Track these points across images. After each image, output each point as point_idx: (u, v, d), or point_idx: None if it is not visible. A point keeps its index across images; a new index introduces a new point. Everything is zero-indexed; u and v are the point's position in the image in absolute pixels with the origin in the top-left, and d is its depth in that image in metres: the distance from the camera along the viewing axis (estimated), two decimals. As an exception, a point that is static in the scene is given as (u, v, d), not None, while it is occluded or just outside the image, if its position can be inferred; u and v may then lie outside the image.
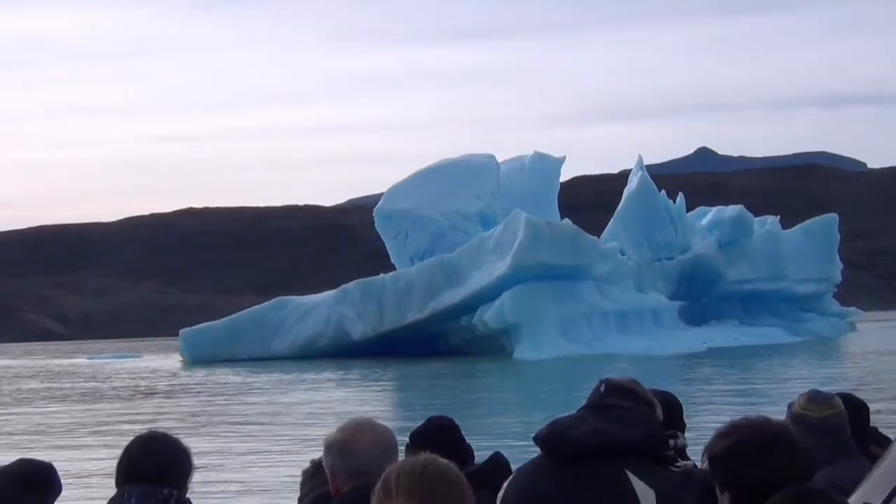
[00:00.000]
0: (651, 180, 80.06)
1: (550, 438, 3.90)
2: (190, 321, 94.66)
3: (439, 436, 5.14)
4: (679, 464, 4.04)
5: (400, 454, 3.92)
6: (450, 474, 2.74)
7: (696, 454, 5.26)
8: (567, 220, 70.11)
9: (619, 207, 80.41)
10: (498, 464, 5.04)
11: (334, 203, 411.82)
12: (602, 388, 4.10)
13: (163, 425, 31.93)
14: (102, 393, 50.81)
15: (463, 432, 5.27)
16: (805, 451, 3.29)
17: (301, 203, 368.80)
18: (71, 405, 43.23)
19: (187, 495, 4.44)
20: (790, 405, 5.26)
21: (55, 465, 4.65)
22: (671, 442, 4.87)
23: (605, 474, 3.81)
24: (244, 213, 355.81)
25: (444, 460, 2.78)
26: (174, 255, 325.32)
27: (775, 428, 3.31)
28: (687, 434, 5.29)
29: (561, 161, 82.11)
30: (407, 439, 4.85)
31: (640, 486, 3.80)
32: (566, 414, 4.03)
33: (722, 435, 3.29)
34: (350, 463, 3.76)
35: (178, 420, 34.52)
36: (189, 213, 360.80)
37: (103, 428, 32.26)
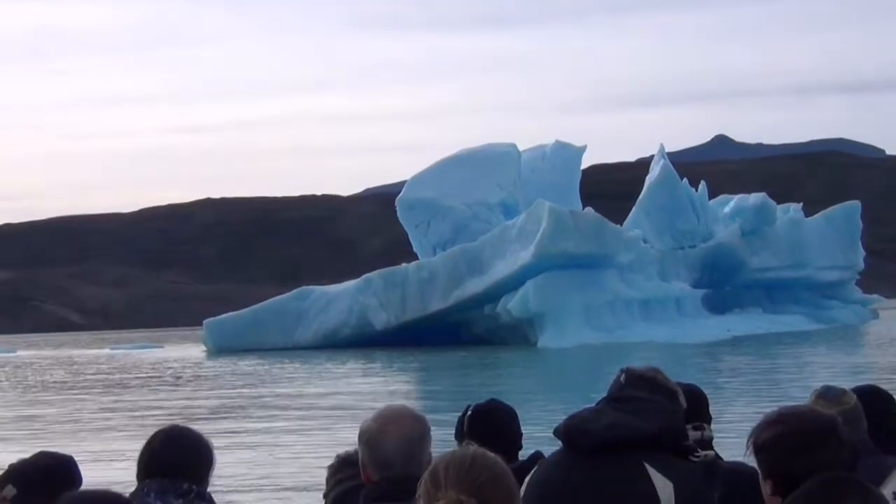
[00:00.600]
0: (673, 168, 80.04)
1: (569, 432, 3.93)
2: (207, 311, 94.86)
3: (487, 421, 5.17)
4: (699, 454, 4.02)
5: (433, 441, 3.95)
6: (498, 468, 2.77)
7: (720, 445, 5.25)
8: (590, 209, 70.13)
9: (641, 196, 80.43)
10: (537, 462, 5.04)
11: (351, 192, 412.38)
12: (622, 378, 4.12)
13: (192, 415, 32.04)
14: (129, 384, 50.96)
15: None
16: (850, 444, 3.27)
17: (318, 193, 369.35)
18: (98, 396, 43.38)
19: (208, 489, 4.44)
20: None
21: (79, 457, 4.65)
22: (698, 433, 4.89)
23: (623, 466, 3.83)
24: (261, 202, 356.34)
25: (492, 454, 2.81)
26: (191, 245, 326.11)
27: (823, 420, 3.29)
28: (715, 423, 5.27)
29: (582, 150, 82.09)
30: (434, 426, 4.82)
31: (658, 479, 3.80)
32: (586, 406, 4.06)
33: (769, 423, 3.27)
34: (378, 456, 3.82)
35: (208, 411, 34.57)
36: (206, 203, 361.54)
37: (130, 419, 32.28)
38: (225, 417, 31.88)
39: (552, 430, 3.97)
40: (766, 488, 3.24)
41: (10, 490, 4.19)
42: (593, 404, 4.06)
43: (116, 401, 40.32)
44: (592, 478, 3.83)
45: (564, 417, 4.00)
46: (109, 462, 21.40)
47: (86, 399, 41.84)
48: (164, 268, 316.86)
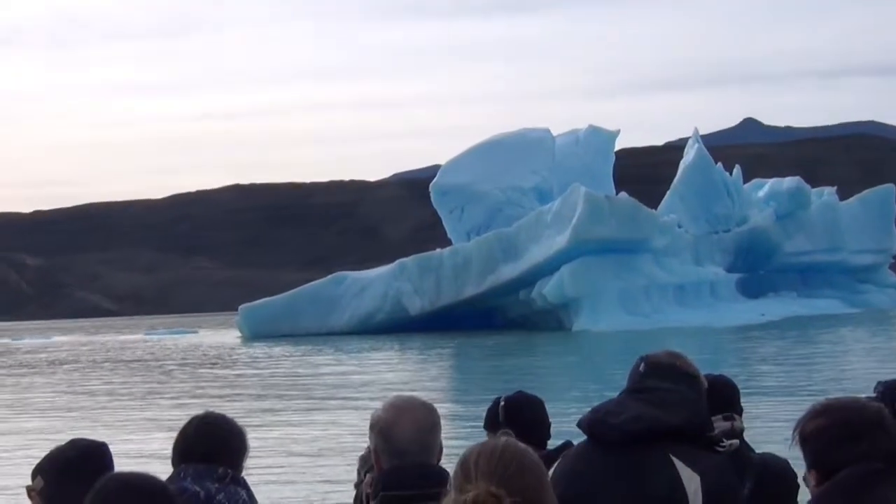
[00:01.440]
0: (707, 153, 79.70)
1: (593, 425, 3.89)
2: (236, 296, 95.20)
3: (520, 412, 5.24)
4: (725, 443, 3.96)
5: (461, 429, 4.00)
6: (527, 459, 2.78)
7: (757, 431, 5.24)
8: (624, 194, 69.95)
9: (675, 180, 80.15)
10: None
11: (378, 178, 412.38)
12: (641, 367, 4.04)
13: (231, 400, 32.19)
14: (167, 368, 51.19)
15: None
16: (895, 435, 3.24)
17: (346, 178, 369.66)
18: (138, 383, 43.56)
19: (242, 475, 4.48)
20: (880, 385, 5.26)
21: (117, 442, 4.71)
22: (728, 424, 4.91)
23: (649, 459, 3.80)
24: (289, 188, 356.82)
25: (523, 444, 2.83)
26: (221, 231, 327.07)
27: (868, 411, 3.26)
28: (752, 410, 5.27)
29: (615, 134, 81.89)
30: (461, 412, 4.83)
31: (685, 471, 3.77)
32: (608, 398, 4.04)
33: (814, 414, 3.26)
34: (392, 446, 3.85)
35: (248, 397, 34.67)
36: (235, 189, 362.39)
37: (169, 405, 32.36)
38: (265, 404, 31.91)
39: (576, 423, 3.93)
40: (811, 479, 3.24)
41: (38, 482, 4.26)
42: (616, 395, 4.03)
43: (156, 386, 40.53)
44: (617, 471, 3.80)
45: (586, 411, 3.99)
46: (149, 445, 21.52)
47: (126, 384, 42.08)
48: (193, 253, 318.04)
